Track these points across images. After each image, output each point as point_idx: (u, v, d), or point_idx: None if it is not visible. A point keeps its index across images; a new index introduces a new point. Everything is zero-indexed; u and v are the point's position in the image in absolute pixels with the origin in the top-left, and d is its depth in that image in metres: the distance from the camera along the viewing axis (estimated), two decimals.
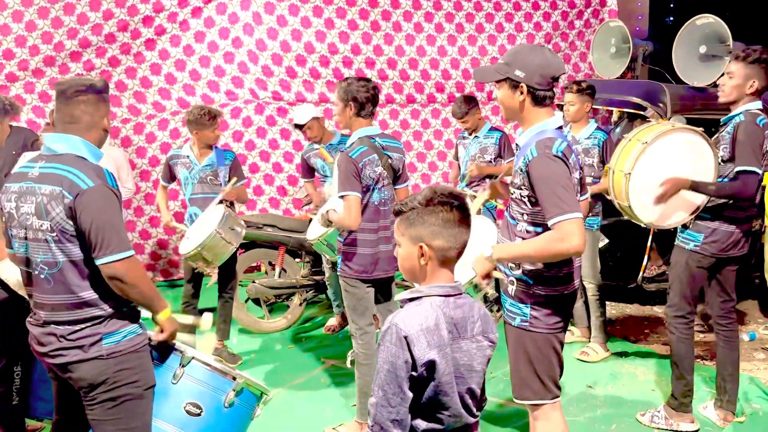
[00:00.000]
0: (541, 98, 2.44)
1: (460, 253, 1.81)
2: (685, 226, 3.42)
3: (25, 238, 2.23)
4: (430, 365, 1.70)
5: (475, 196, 4.63)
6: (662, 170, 3.23)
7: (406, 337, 1.69)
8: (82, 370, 2.22)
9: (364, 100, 3.34)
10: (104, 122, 2.33)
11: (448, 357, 1.73)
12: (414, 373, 1.70)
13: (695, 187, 3.18)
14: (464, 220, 1.79)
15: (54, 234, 2.17)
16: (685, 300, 3.44)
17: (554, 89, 2.48)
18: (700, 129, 3.38)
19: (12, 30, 5.66)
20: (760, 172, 3.16)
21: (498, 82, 2.48)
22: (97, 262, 2.16)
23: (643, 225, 3.40)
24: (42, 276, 2.22)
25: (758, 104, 3.27)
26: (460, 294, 1.81)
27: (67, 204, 2.14)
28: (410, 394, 1.71)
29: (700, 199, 3.29)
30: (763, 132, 3.20)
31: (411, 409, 1.74)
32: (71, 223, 2.16)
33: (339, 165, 3.32)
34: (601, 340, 4.53)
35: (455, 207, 1.78)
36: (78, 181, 2.15)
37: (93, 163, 2.24)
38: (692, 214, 3.33)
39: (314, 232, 3.84)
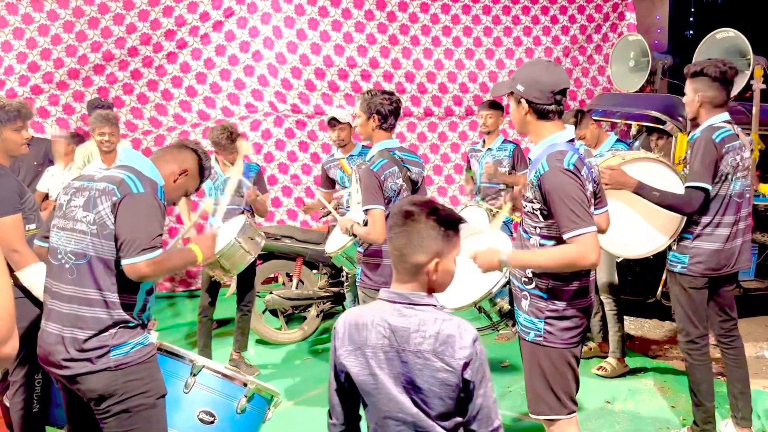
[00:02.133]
0: (543, 112, 2.44)
1: (397, 261, 1.78)
2: (670, 248, 3.41)
3: (63, 228, 2.32)
4: (342, 362, 1.77)
5: (491, 210, 4.65)
6: (621, 203, 3.27)
7: (335, 328, 1.82)
8: (90, 382, 2.24)
9: (387, 112, 3.38)
10: (175, 169, 2.49)
11: (369, 358, 1.74)
12: (338, 369, 1.79)
13: (640, 188, 3.19)
14: (391, 228, 1.79)
15: (94, 227, 2.25)
16: (691, 323, 3.36)
17: (560, 104, 2.46)
18: (655, 156, 3.42)
19: (38, 43, 5.78)
20: (708, 187, 3.15)
21: (508, 96, 2.53)
22: (123, 262, 2.21)
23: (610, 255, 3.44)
24: (67, 266, 2.29)
25: (722, 117, 3.24)
26: (414, 304, 1.75)
27: (114, 201, 2.25)
28: (334, 383, 1.82)
29: (663, 233, 3.35)
30: (719, 147, 3.17)
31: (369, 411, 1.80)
32: (112, 219, 2.24)
33: (361, 179, 3.35)
34: (619, 355, 4.48)
35: (392, 214, 1.82)
36: (131, 185, 2.28)
37: (150, 179, 2.36)
38: (656, 248, 3.40)
39: (333, 245, 3.86)
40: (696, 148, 3.21)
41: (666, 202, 3.21)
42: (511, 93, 2.49)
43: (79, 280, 2.26)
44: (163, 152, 2.57)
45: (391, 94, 3.46)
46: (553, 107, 2.44)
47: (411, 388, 1.72)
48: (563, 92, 2.45)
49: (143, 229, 2.23)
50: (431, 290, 1.79)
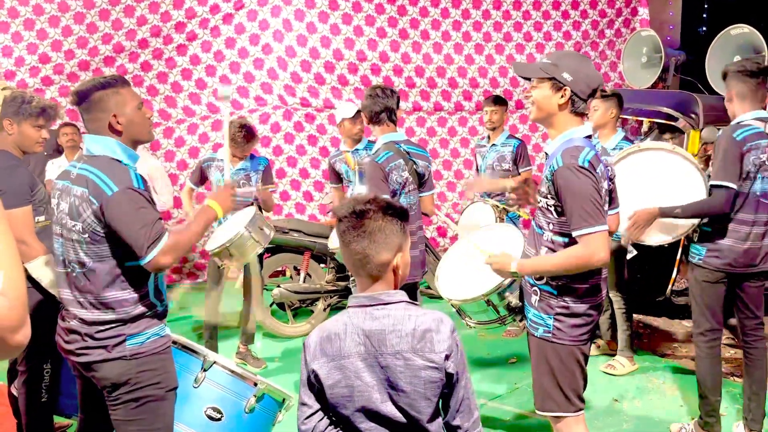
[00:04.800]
0: (578, 107, 2.43)
1: (360, 265, 1.69)
2: (690, 240, 3.42)
3: (61, 236, 2.29)
4: (315, 373, 1.69)
5: (497, 206, 4.64)
6: (634, 191, 3.28)
7: (305, 343, 1.74)
8: (105, 369, 2.24)
9: (390, 110, 3.44)
10: (111, 120, 2.26)
11: (346, 369, 1.66)
12: (311, 380, 1.71)
13: (664, 213, 3.24)
14: (345, 232, 1.69)
15: (86, 235, 2.21)
16: (702, 316, 3.39)
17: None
18: (672, 146, 3.49)
19: (48, 35, 5.79)
20: (732, 185, 3.13)
21: (540, 80, 2.44)
22: (141, 263, 2.19)
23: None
24: (74, 274, 2.27)
25: (753, 114, 3.20)
26: (385, 304, 1.69)
27: (94, 209, 2.19)
28: (308, 401, 1.72)
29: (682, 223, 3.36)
30: (739, 144, 3.15)
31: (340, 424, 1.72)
32: (101, 225, 2.20)
33: (366, 171, 3.36)
34: (628, 353, 4.45)
35: (339, 220, 1.72)
36: (103, 186, 2.18)
37: (123, 166, 2.26)
38: (676, 236, 3.42)
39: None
40: (717, 146, 3.23)
41: (690, 212, 3.23)
42: (550, 79, 2.40)
43: (89, 287, 2.25)
44: (89, 126, 2.29)
45: (390, 90, 3.49)
46: (585, 104, 2.44)
47: (395, 393, 1.66)
48: (596, 91, 2.45)
49: (140, 226, 2.17)
50: (395, 286, 1.75)
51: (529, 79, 2.51)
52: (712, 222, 3.29)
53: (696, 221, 3.34)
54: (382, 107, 3.47)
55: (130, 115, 2.29)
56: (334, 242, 3.99)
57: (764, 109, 3.25)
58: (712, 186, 3.21)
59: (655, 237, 3.45)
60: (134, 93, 2.35)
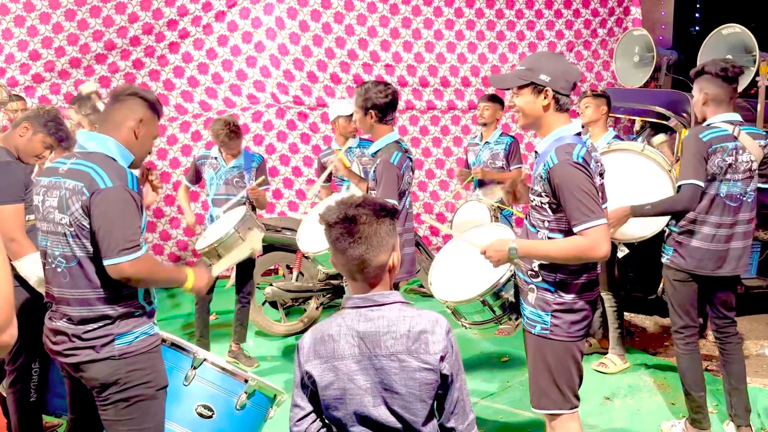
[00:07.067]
0: (563, 103, 2.44)
1: (357, 270, 1.67)
2: (662, 239, 3.47)
3: (47, 232, 2.27)
4: (309, 375, 1.68)
5: (492, 205, 4.64)
6: (617, 189, 3.32)
7: (299, 343, 1.73)
8: (93, 370, 2.22)
9: (383, 105, 3.36)
10: (132, 124, 2.32)
11: (339, 371, 1.65)
12: (305, 382, 1.70)
13: (636, 212, 3.31)
14: (339, 239, 1.66)
15: (72, 229, 2.19)
16: (676, 314, 3.45)
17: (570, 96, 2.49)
18: (642, 147, 3.57)
19: (39, 31, 5.76)
20: (698, 183, 3.17)
21: (520, 88, 2.46)
22: (105, 263, 2.16)
23: None
24: (59, 270, 2.24)
25: (725, 116, 3.22)
26: (381, 305, 1.68)
27: (84, 201, 2.16)
28: (301, 402, 1.72)
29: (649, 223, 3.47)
30: (704, 145, 3.17)
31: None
32: (87, 219, 2.18)
33: (382, 172, 3.31)
34: (619, 351, 4.47)
35: (330, 226, 1.68)
36: (98, 180, 2.17)
37: (118, 164, 2.26)
38: (647, 234, 3.55)
39: (317, 245, 3.72)
40: (684, 146, 3.28)
41: (660, 209, 3.31)
42: (529, 84, 2.42)
43: (74, 283, 2.22)
44: (106, 116, 2.36)
45: (387, 85, 3.41)
46: (569, 99, 2.45)
47: (389, 396, 1.64)
48: (576, 84, 2.47)
49: (119, 228, 2.15)
50: (390, 286, 1.73)
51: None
52: (678, 221, 3.33)
53: (667, 219, 3.40)
54: (391, 105, 3.41)
55: (146, 135, 2.39)
56: (306, 245, 3.92)
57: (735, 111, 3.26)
58: (679, 186, 3.23)
59: (629, 234, 3.52)
60: (158, 126, 2.48)
